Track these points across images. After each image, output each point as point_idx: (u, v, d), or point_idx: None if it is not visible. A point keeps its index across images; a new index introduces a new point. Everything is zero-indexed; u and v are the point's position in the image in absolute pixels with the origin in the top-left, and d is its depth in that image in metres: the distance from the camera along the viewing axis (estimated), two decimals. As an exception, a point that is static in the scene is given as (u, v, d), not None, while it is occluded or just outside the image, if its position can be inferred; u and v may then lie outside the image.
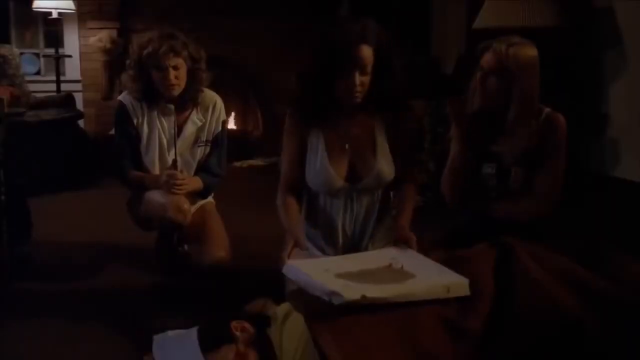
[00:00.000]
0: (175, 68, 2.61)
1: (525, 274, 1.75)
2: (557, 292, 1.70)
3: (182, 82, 2.66)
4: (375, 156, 2.11)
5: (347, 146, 2.11)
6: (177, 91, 2.66)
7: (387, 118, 2.14)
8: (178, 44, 2.61)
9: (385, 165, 2.12)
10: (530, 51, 2.11)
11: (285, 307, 1.73)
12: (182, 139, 2.74)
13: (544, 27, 3.21)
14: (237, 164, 5.41)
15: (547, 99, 2.16)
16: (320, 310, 1.60)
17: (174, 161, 2.73)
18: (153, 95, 2.70)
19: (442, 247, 2.13)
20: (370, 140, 2.13)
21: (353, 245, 2.15)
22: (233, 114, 5.80)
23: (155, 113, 2.72)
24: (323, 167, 2.09)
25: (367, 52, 1.97)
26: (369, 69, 1.99)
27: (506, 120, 2.12)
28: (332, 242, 2.16)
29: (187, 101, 2.73)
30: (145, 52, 2.61)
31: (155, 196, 2.62)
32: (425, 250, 1.95)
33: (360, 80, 1.98)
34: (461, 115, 2.19)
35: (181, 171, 2.69)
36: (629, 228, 2.76)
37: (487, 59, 2.11)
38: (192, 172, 2.77)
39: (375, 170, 2.10)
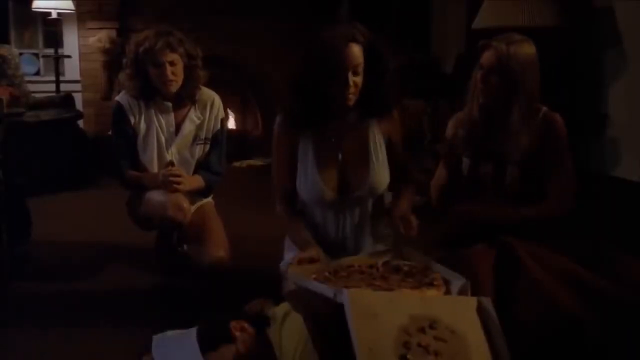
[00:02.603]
0: (172, 64, 2.61)
1: (525, 274, 1.75)
2: (557, 292, 1.70)
3: (179, 79, 2.66)
4: (369, 166, 2.08)
5: (339, 156, 2.08)
6: (174, 87, 2.66)
7: (382, 122, 2.12)
8: (174, 40, 2.61)
9: (379, 176, 2.09)
10: (529, 49, 2.10)
11: (284, 307, 1.73)
12: (180, 137, 2.74)
13: (544, 27, 3.20)
14: (237, 163, 5.41)
15: (547, 98, 2.15)
16: (320, 310, 1.60)
17: (171, 162, 2.72)
18: (150, 92, 2.69)
19: (442, 247, 2.13)
20: (363, 149, 2.10)
21: (345, 254, 2.08)
22: (232, 114, 5.81)
23: (153, 111, 2.71)
24: (313, 179, 2.06)
25: (356, 50, 1.96)
26: (361, 69, 1.98)
27: (506, 119, 2.12)
28: (324, 249, 2.07)
29: (185, 98, 2.73)
30: (141, 49, 2.61)
31: (154, 195, 2.62)
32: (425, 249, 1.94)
33: (353, 80, 1.97)
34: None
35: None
36: (629, 228, 2.76)
37: (487, 57, 2.09)
38: (191, 171, 2.77)
39: (368, 181, 2.07)
